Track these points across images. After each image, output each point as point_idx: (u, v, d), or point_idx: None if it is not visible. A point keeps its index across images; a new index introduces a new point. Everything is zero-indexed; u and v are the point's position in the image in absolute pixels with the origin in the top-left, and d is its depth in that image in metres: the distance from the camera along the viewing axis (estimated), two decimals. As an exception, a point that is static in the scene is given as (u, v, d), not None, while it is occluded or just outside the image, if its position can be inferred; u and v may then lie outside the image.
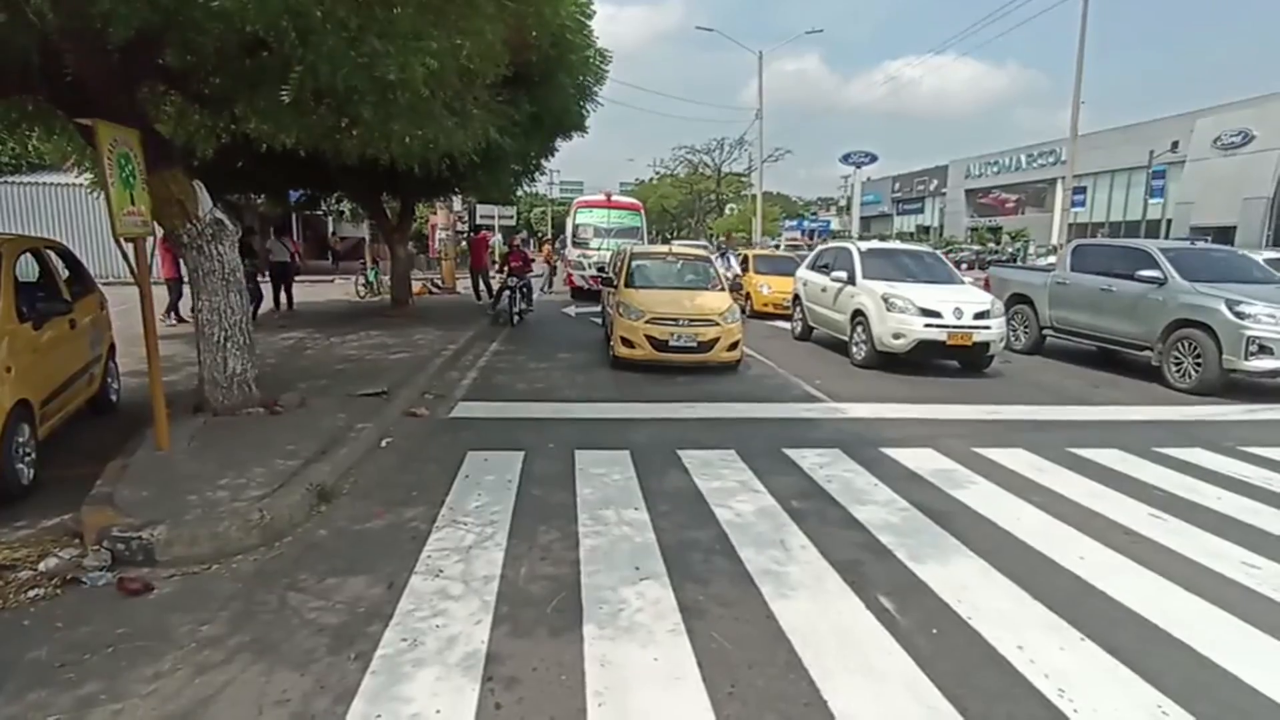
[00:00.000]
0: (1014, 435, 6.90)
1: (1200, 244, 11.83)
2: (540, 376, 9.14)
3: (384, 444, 5.99)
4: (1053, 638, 3.31)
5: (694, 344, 9.27)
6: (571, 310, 17.49)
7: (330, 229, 31.47)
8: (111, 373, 6.96)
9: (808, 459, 5.96)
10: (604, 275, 12.30)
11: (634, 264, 10.79)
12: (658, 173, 62.22)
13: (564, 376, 9.19)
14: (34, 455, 4.79)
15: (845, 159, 53.30)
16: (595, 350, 11.32)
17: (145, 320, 4.70)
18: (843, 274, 11.22)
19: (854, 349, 10.71)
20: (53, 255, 6.08)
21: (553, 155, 15.27)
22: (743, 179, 55.25)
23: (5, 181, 21.52)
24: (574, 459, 5.77)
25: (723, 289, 10.58)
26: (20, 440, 4.61)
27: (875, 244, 12.81)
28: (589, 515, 4.62)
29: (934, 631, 3.35)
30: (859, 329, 10.62)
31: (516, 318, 13.93)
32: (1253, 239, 27.23)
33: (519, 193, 18.48)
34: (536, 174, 15.65)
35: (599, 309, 16.59)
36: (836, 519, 4.72)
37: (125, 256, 4.48)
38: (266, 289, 13.98)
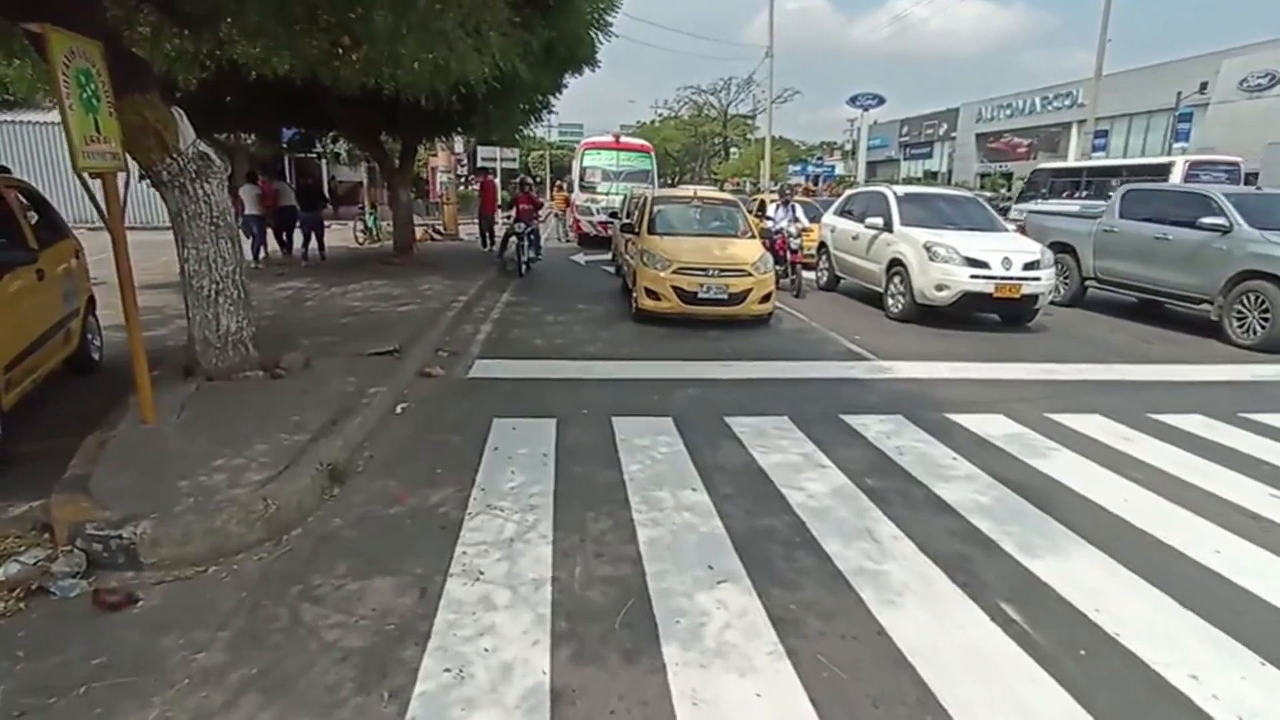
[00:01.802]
0: (1084, 398, 6.31)
1: (1268, 189, 11.04)
2: (560, 330, 8.48)
3: (400, 410, 5.36)
4: (1227, 662, 2.75)
5: (724, 296, 8.58)
6: (580, 258, 16.72)
7: (327, 171, 30.21)
8: (92, 328, 6.29)
9: (870, 427, 5.36)
10: (625, 222, 11.37)
11: (656, 209, 10.01)
12: (660, 115, 60.19)
13: (585, 330, 8.53)
14: (-1, 428, 4.16)
15: (852, 101, 51.57)
16: (613, 301, 10.63)
17: (120, 271, 4.01)
18: (878, 221, 10.47)
19: (890, 301, 10.04)
20: (16, 197, 5.33)
21: (562, 92, 14.32)
22: (748, 121, 53.47)
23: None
24: (613, 427, 5.16)
25: (753, 236, 9.84)
26: (-20, 412, 3.97)
27: (912, 188, 11.98)
28: (642, 498, 4.03)
29: (1081, 653, 2.78)
30: (896, 280, 9.94)
31: (525, 266, 13.17)
32: (1275, 184, 26.33)
33: (526, 132, 17.38)
34: (545, 112, 14.67)
35: (610, 256, 15.85)
36: (922, 501, 4.14)
37: (91, 195, 3.77)
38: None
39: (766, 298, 8.84)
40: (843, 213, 12.24)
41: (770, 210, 12.23)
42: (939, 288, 9.16)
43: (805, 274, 12.57)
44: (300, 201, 14.19)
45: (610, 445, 4.84)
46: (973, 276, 9.00)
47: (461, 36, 5.94)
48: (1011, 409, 5.91)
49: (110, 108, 3.92)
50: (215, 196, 4.73)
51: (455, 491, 4.03)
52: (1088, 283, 11.30)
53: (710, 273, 8.60)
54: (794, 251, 11.66)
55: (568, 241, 20.86)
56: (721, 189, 37.19)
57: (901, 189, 11.15)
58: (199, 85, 8.95)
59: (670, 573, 3.26)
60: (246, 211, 12.51)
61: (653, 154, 20.57)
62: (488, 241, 16.81)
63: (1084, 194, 19.56)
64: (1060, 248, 11.58)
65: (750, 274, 8.71)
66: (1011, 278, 9.00)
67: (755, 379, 6.66)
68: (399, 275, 11.55)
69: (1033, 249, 9.48)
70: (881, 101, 51.14)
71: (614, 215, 14.95)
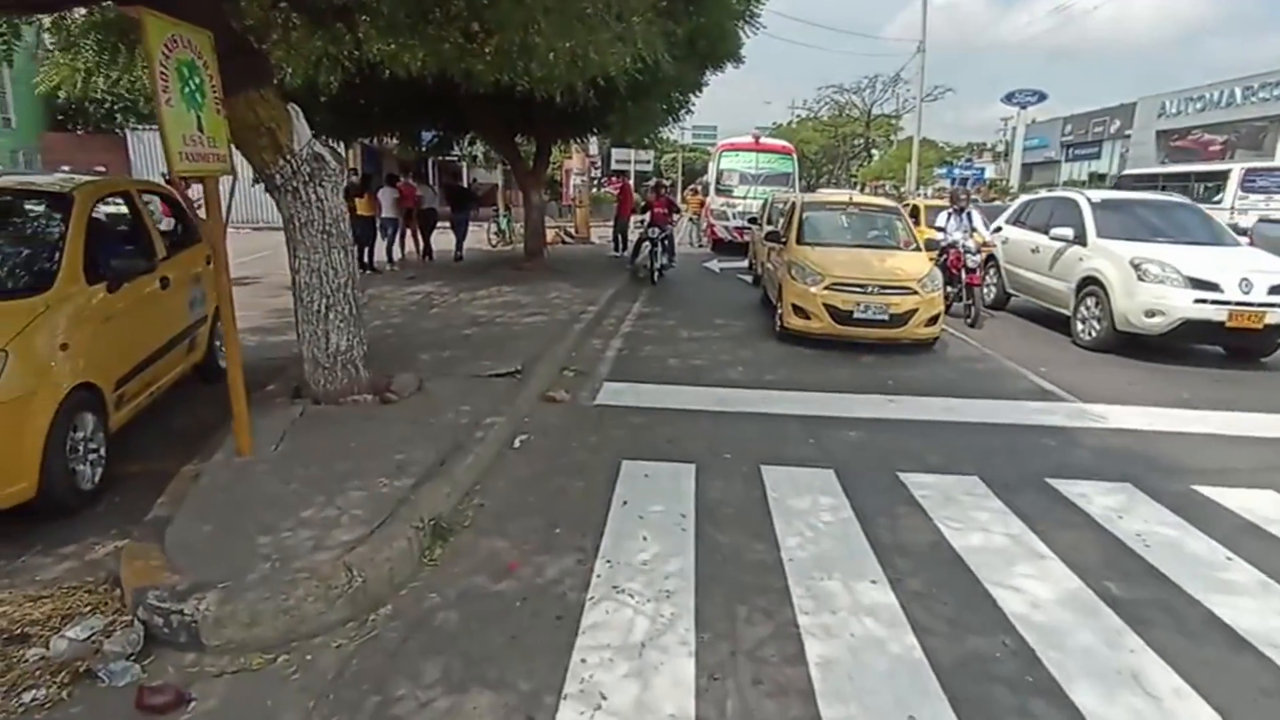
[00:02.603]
0: (1385, 471, 4.79)
1: None
2: (696, 349, 7.68)
3: (518, 444, 4.75)
4: None
5: (884, 317, 7.49)
6: (715, 265, 15.88)
7: (466, 173, 31.01)
8: (221, 334, 6.13)
9: (1092, 499, 4.20)
10: (770, 230, 10.21)
11: (806, 215, 9.01)
12: (797, 116, 58.14)
13: (724, 349, 7.69)
14: (102, 451, 3.86)
15: (1008, 98, 47.68)
16: (754, 315, 9.72)
17: (220, 288, 3.60)
18: (1066, 231, 8.95)
19: (1080, 326, 8.53)
20: (149, 201, 5.16)
21: (701, 90, 13.53)
22: (892, 121, 50.53)
23: (151, 128, 22.12)
24: (762, 480, 4.31)
25: (917, 248, 8.64)
26: (80, 435, 3.67)
27: (1112, 193, 10.28)
28: (806, 590, 3.15)
29: None
30: (1089, 302, 8.42)
31: (657, 274, 12.50)
32: None
33: (666, 132, 16.66)
34: (684, 111, 13.91)
35: (746, 263, 14.94)
36: (1201, 626, 3.01)
37: (186, 201, 3.37)
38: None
39: (934, 320, 7.66)
40: (1017, 221, 10.71)
41: (940, 219, 10.22)
42: (1150, 313, 7.61)
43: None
44: (451, 202, 14.40)
45: (761, 505, 3.98)
46: (1198, 301, 7.40)
47: (603, 23, 5.29)
48: (1283, 482, 4.54)
49: (217, 104, 3.51)
50: (329, 202, 4.29)
51: (576, 562, 3.32)
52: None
53: (869, 290, 7.53)
54: (970, 271, 9.39)
55: (700, 247, 20.07)
56: (863, 192, 35.18)
57: (1098, 194, 9.54)
58: (340, 88, 8.92)
59: (857, 723, 2.38)
60: (384, 214, 12.60)
61: (794, 156, 19.41)
62: (620, 246, 16.33)
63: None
64: (1301, 265, 9.54)
65: (915, 292, 7.56)
66: (1253, 304, 7.31)
67: (928, 421, 5.59)
68: (528, 281, 11.19)
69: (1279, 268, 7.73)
70: (1042, 98, 47.03)
71: (754, 221, 14.01)
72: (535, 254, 13.14)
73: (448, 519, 3.53)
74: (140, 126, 22.46)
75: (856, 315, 7.50)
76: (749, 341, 8.12)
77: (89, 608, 2.77)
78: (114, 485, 3.96)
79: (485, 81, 6.86)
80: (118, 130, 23.81)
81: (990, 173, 57.47)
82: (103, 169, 20.53)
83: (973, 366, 7.43)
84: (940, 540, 3.67)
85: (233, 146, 3.80)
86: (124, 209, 4.94)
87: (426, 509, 3.39)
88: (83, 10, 5.66)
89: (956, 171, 60.29)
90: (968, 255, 9.40)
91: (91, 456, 3.78)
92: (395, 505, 3.35)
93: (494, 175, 23.24)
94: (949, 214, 10.01)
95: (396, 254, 13.55)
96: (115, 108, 21.77)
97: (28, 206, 4.20)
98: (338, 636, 2.72)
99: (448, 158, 23.27)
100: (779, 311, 8.21)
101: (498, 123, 11.95)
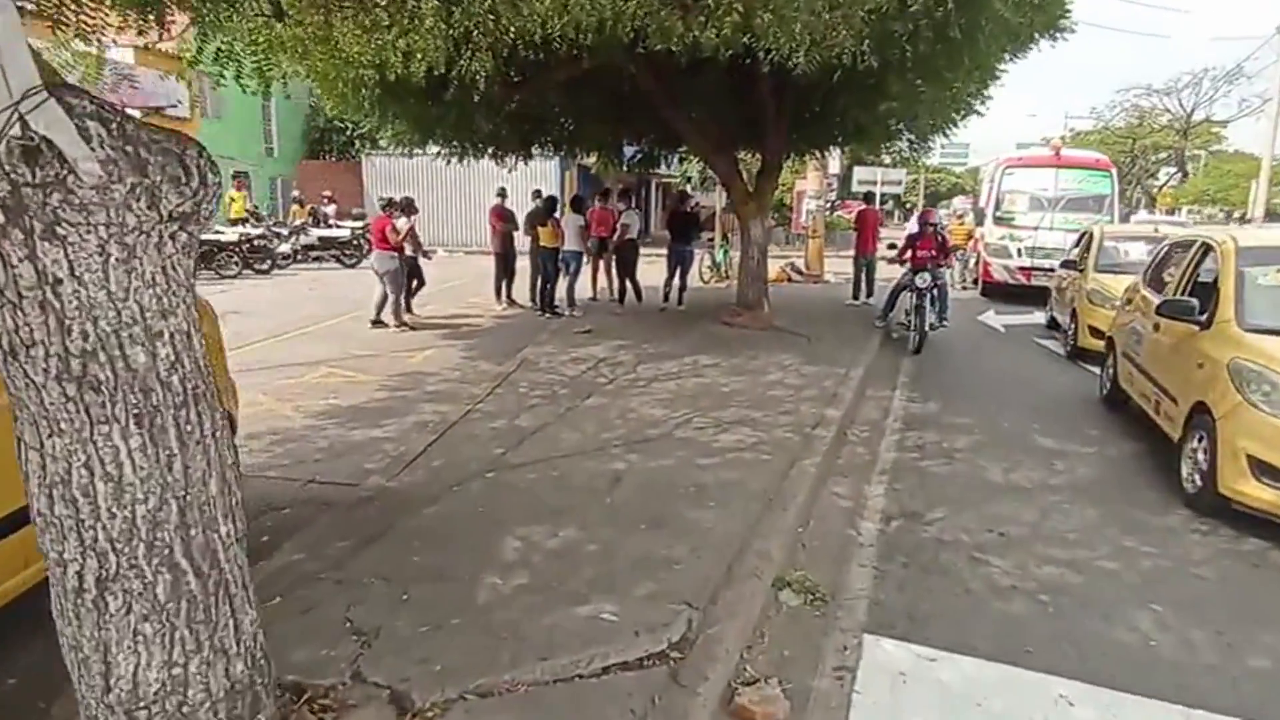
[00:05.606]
0: None
1: None
2: (1032, 524, 4.04)
3: None
4: None
5: None
6: (993, 318, 11.65)
7: (688, 195, 28.39)
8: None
9: None
10: (1176, 300, 5.49)
11: (1256, 276, 4.86)
12: (1071, 129, 48.87)
13: (1092, 534, 3.96)
14: None
15: (1386, 95, 36.01)
16: (1102, 430, 5.76)
17: None
18: None
19: None
20: None
21: (999, 77, 9.54)
22: (1214, 130, 40.19)
23: (384, 153, 22.28)
24: None
25: None
26: None
27: None
28: None
29: None
30: None
31: (918, 338, 8.80)
32: None
33: (951, 132, 12.25)
34: (966, 115, 9.94)
35: (1043, 319, 10.71)
36: None
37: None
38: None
39: None
40: None
41: None
42: None
43: None
44: (672, 231, 11.72)
45: None
46: None
47: None
48: None
49: None
50: (88, 274, 1.41)
51: None
52: None
53: None
54: None
55: (964, 289, 15.63)
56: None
57: None
58: (500, 86, 6.52)
59: None
60: (566, 246, 10.19)
61: (1113, 172, 14.43)
62: (864, 292, 12.70)
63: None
64: None
65: None
66: None
67: None
68: (739, 347, 8.08)
69: None
70: None
71: (1070, 265, 9.74)
72: (753, 305, 9.97)
73: None
74: (373, 152, 22.83)
75: None
76: (1128, 510, 4.29)
77: None
78: None
79: (674, 40, 3.94)
80: (353, 156, 24.70)
81: (1342, 192, 44.55)
82: (328, 195, 20.85)
83: None
84: None
85: None
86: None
87: None
88: None
89: (1289, 191, 47.75)
90: None
91: None
92: None
93: (711, 197, 20.48)
94: None
95: (581, 293, 11.14)
96: (354, 135, 22.28)
97: None
98: None
99: (661, 177, 21.00)
100: (1201, 453, 4.30)
101: (708, 127, 9.02)
